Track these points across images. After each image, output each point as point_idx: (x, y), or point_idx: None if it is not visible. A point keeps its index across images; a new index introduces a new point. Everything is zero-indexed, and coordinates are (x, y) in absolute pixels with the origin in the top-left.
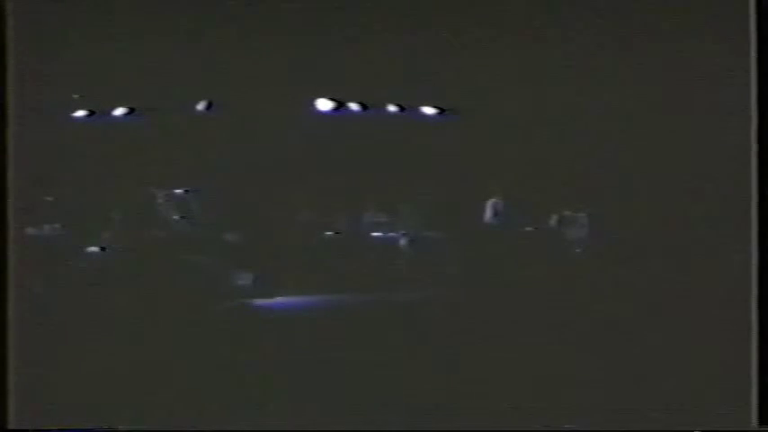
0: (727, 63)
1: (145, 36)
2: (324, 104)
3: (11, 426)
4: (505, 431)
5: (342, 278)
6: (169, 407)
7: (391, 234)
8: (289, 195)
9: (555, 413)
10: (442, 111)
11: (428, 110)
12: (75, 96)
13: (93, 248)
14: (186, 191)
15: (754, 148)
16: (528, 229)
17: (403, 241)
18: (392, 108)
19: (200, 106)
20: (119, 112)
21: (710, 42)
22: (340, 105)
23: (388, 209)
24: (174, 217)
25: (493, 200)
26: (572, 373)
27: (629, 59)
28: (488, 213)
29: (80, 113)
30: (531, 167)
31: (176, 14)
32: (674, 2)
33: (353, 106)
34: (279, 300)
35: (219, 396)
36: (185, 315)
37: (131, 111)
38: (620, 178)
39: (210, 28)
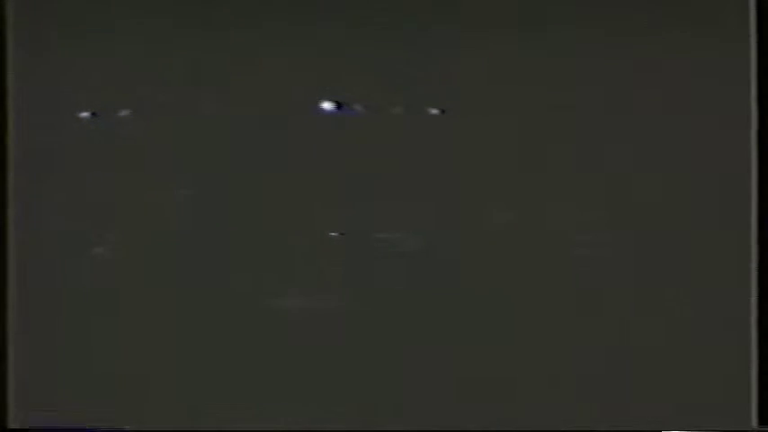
0: (728, 63)
1: (147, 35)
2: (327, 105)
3: (11, 425)
4: (505, 431)
5: (346, 279)
6: (169, 407)
7: (397, 234)
8: (293, 196)
9: (554, 413)
10: (443, 111)
11: (432, 110)
12: (76, 97)
13: (95, 248)
14: (189, 192)
15: (755, 147)
16: (536, 229)
17: (408, 242)
18: (395, 109)
19: (206, 107)
20: (122, 112)
21: (710, 41)
22: (341, 106)
23: (393, 209)
24: (177, 218)
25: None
26: (571, 373)
27: (628, 58)
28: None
29: (82, 113)
30: (534, 166)
31: (180, 13)
32: (675, 1)
33: (356, 107)
34: (281, 299)
35: (221, 397)
36: (187, 315)
37: (133, 111)
38: (619, 178)
39: (215, 27)
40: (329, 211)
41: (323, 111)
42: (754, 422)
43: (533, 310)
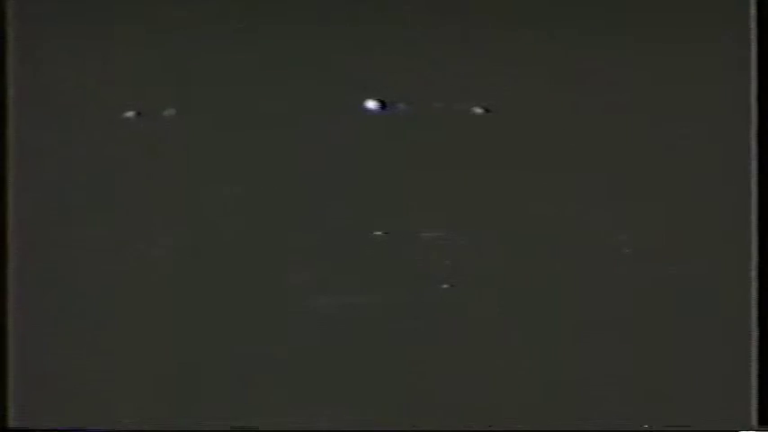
0: (728, 63)
1: (165, 33)
2: (371, 104)
3: (11, 424)
4: (505, 431)
5: (393, 278)
6: (167, 406)
7: (442, 233)
8: (335, 196)
9: (554, 413)
10: (487, 110)
11: (476, 109)
12: (79, 97)
13: (95, 248)
14: (235, 191)
15: (755, 147)
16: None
17: (455, 240)
18: (438, 107)
19: (253, 107)
20: (159, 111)
21: (710, 41)
22: (385, 105)
23: (438, 208)
24: (212, 218)
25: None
26: (571, 372)
27: (628, 59)
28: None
29: (84, 114)
30: (576, 165)
31: (194, 12)
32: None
33: (400, 106)
34: (328, 297)
35: (222, 398)
36: (189, 315)
37: (178, 111)
38: (619, 178)
39: (257, 26)
40: (373, 210)
41: (367, 110)
42: (754, 422)
43: (577, 310)
